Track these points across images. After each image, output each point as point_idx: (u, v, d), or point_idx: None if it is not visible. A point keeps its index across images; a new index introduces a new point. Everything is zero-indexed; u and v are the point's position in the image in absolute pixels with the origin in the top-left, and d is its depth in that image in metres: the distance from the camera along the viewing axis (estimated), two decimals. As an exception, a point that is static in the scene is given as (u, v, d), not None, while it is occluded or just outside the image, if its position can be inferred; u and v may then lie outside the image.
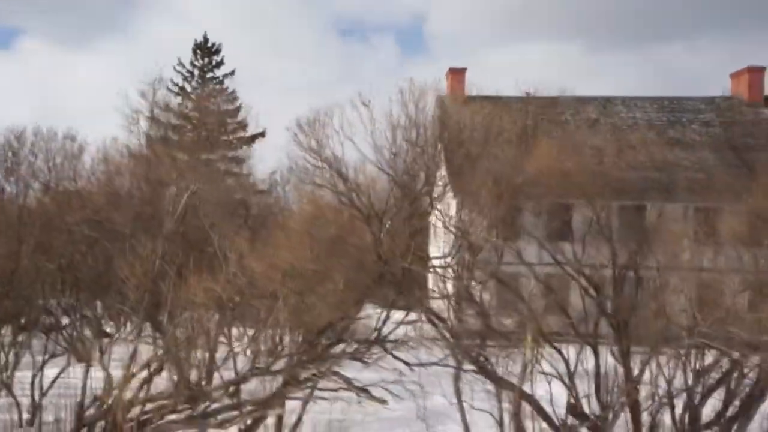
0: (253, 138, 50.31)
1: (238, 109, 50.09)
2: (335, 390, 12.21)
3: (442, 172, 14.41)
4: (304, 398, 10.71)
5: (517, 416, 9.94)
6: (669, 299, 10.18)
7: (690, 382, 10.71)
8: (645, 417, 11.14)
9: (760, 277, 8.56)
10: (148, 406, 10.97)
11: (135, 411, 10.82)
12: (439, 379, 11.98)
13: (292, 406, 14.48)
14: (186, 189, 11.62)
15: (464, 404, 11.48)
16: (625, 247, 10.55)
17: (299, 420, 14.31)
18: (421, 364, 10.67)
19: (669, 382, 10.74)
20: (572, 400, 11.00)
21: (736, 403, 9.95)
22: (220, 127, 48.57)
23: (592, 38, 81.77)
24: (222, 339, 10.38)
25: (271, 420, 13.30)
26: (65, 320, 16.75)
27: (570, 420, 10.63)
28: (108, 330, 15.01)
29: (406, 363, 10.84)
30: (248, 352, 10.62)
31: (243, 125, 50.60)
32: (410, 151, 11.51)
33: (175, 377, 10.27)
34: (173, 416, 10.66)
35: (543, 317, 11.22)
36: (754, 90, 29.98)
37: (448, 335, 10.52)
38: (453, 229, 10.86)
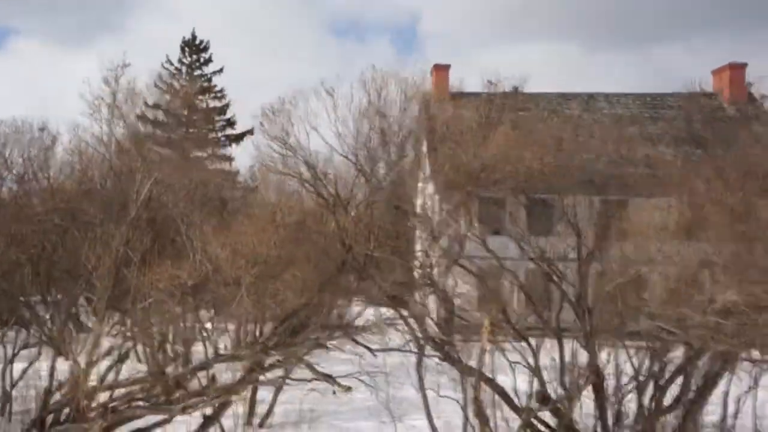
0: (241, 135, 50.34)
1: (226, 107, 50.17)
2: (306, 380, 12.36)
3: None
4: (271, 385, 10.75)
5: (477, 400, 10.02)
6: (630, 288, 10.26)
7: (653, 367, 10.82)
8: (610, 402, 11.25)
9: (696, 268, 8.64)
10: (113, 393, 11.03)
11: (100, 397, 10.87)
12: (410, 369, 12.10)
13: (262, 395, 14.61)
14: (150, 177, 11.66)
15: (431, 392, 11.57)
16: (586, 237, 10.64)
17: (270, 409, 14.42)
18: (384, 350, 10.74)
19: (635, 369, 10.88)
20: (539, 387, 11.10)
21: (695, 386, 10.08)
22: (207, 125, 48.59)
23: (591, 38, 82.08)
24: (186, 325, 10.44)
25: (242, 410, 13.40)
26: (42, 311, 16.79)
27: (533, 404, 10.70)
28: (83, 319, 15.04)
29: (369, 349, 10.92)
30: (213, 338, 10.67)
31: (231, 123, 50.68)
32: (374, 138, 11.59)
33: (140, 364, 10.31)
34: (138, 402, 10.70)
35: (507, 304, 11.31)
36: (736, 86, 30.18)
37: (411, 322, 10.59)
38: (415, 217, 10.96)
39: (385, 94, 11.41)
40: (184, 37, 50.23)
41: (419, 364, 10.72)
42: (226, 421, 13.65)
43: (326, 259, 10.61)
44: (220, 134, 50.24)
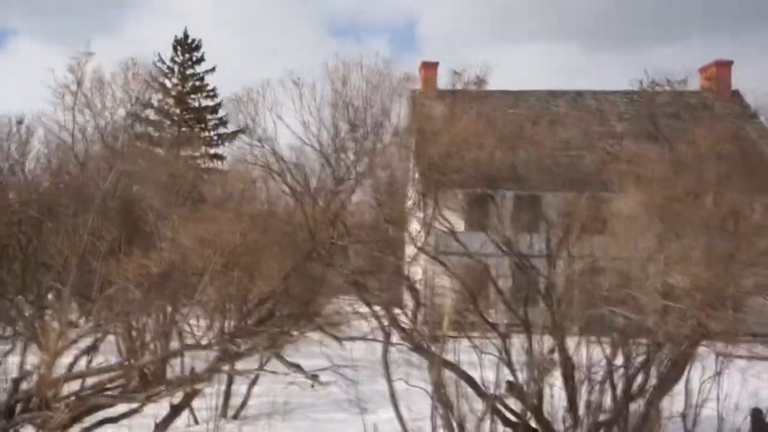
0: (234, 134, 50.32)
1: (218, 106, 50.15)
2: (277, 372, 12.36)
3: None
4: (237, 374, 10.76)
5: (439, 387, 10.05)
6: (592, 279, 10.29)
7: (621, 356, 10.86)
8: (580, 391, 11.29)
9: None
10: (84, 382, 11.04)
11: (70, 386, 10.88)
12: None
13: (242, 389, 14.65)
14: (115, 166, 11.69)
15: (402, 383, 11.62)
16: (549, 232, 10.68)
17: (245, 401, 14.48)
18: (349, 339, 10.77)
19: (607, 358, 10.92)
20: (509, 377, 11.14)
21: (657, 374, 10.12)
22: (199, 123, 48.63)
23: (589, 38, 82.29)
24: (152, 315, 10.46)
25: (215, 402, 13.44)
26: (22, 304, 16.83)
27: (500, 392, 10.72)
28: (54, 309, 15.09)
29: (336, 337, 10.95)
30: (179, 327, 10.68)
31: (224, 122, 50.66)
32: (340, 128, 11.64)
33: (105, 353, 10.33)
34: (103, 391, 10.70)
35: (477, 294, 11.34)
36: (722, 84, 30.25)
37: (378, 310, 10.63)
38: (376, 206, 10.99)
39: (352, 83, 11.52)
40: (176, 36, 50.31)
41: (385, 353, 10.75)
42: (201, 413, 13.74)
43: (293, 248, 10.64)
44: (212, 133, 50.28)
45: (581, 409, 11.03)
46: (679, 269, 7.66)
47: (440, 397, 9.98)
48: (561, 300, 11.04)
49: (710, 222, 7.81)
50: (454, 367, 10.38)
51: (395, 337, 10.99)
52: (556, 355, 11.05)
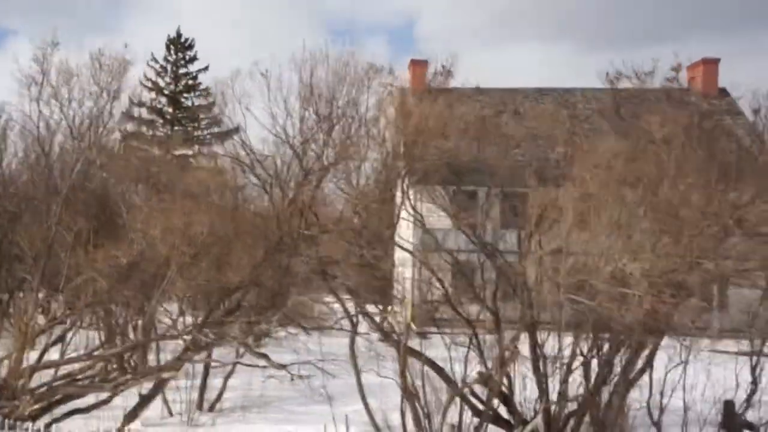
0: (227, 134, 50.26)
1: (212, 105, 50.12)
2: (244, 364, 12.44)
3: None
4: (201, 362, 10.82)
5: (403, 374, 10.10)
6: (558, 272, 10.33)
7: (587, 346, 10.92)
8: (550, 381, 11.36)
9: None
10: (57, 371, 11.13)
11: (40, 377, 10.97)
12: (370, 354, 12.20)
13: (215, 383, 14.70)
14: (82, 156, 11.73)
15: (374, 373, 11.68)
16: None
17: (221, 394, 14.52)
18: (315, 329, 10.82)
19: (580, 350, 10.99)
20: (481, 368, 11.20)
21: (622, 363, 10.19)
22: (192, 122, 48.60)
23: (586, 39, 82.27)
24: (120, 305, 10.51)
25: (191, 396, 13.50)
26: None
27: (468, 378, 10.77)
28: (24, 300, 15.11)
29: (304, 327, 11.01)
30: (148, 317, 10.74)
31: (217, 121, 50.64)
32: (308, 119, 11.66)
33: (74, 344, 10.38)
34: (73, 382, 10.78)
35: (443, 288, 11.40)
36: (709, 81, 30.31)
37: (345, 299, 10.67)
38: (345, 195, 11.05)
39: (320, 74, 11.56)
40: (169, 35, 50.21)
41: (352, 343, 10.80)
42: (176, 405, 13.79)
43: (262, 239, 10.68)
44: (205, 132, 50.25)
45: (551, 399, 11.10)
46: (632, 256, 7.71)
47: (406, 386, 10.03)
48: (530, 293, 11.10)
49: (662, 209, 7.86)
50: (422, 356, 10.42)
51: (364, 328, 11.05)
52: (524, 346, 11.12)
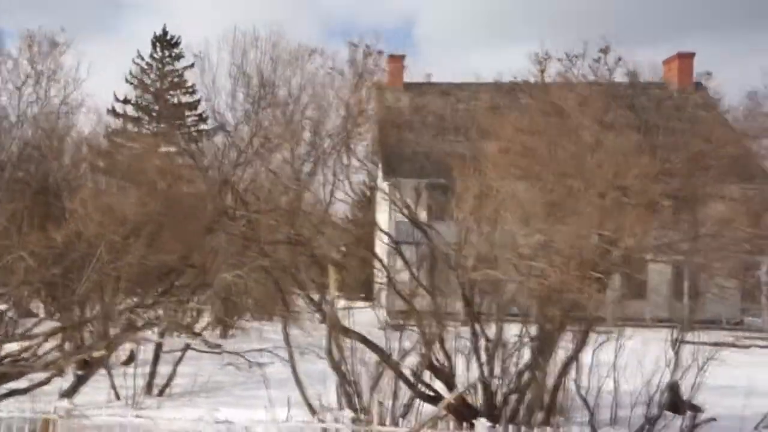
0: (214, 130, 50.24)
1: (197, 102, 50.16)
2: (187, 349, 12.46)
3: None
4: (135, 342, 10.87)
5: (331, 353, 10.14)
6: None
7: (531, 332, 10.98)
8: (492, 366, 11.41)
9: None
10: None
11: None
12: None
13: (164, 370, 14.75)
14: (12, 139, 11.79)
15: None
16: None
17: (170, 379, 14.57)
18: (250, 314, 10.86)
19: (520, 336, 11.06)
20: (425, 352, 11.23)
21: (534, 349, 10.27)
22: (177, 120, 48.64)
23: (585, 39, 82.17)
24: (50, 286, 10.56)
25: (137, 382, 13.56)
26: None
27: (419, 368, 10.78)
28: None
29: (236, 312, 11.04)
30: (81, 298, 10.79)
31: (203, 118, 50.67)
32: (244, 102, 11.70)
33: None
34: (14, 363, 10.83)
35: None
36: (684, 75, 30.44)
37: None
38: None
39: (252, 56, 11.54)
40: (155, 33, 50.32)
41: (285, 324, 10.84)
42: (124, 391, 13.85)
43: (194, 220, 10.75)
44: (191, 129, 50.31)
45: (495, 381, 11.15)
46: (531, 231, 7.75)
47: (331, 362, 10.08)
48: (469, 282, 11.17)
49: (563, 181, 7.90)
50: (353, 333, 10.41)
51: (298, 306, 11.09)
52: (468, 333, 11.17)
